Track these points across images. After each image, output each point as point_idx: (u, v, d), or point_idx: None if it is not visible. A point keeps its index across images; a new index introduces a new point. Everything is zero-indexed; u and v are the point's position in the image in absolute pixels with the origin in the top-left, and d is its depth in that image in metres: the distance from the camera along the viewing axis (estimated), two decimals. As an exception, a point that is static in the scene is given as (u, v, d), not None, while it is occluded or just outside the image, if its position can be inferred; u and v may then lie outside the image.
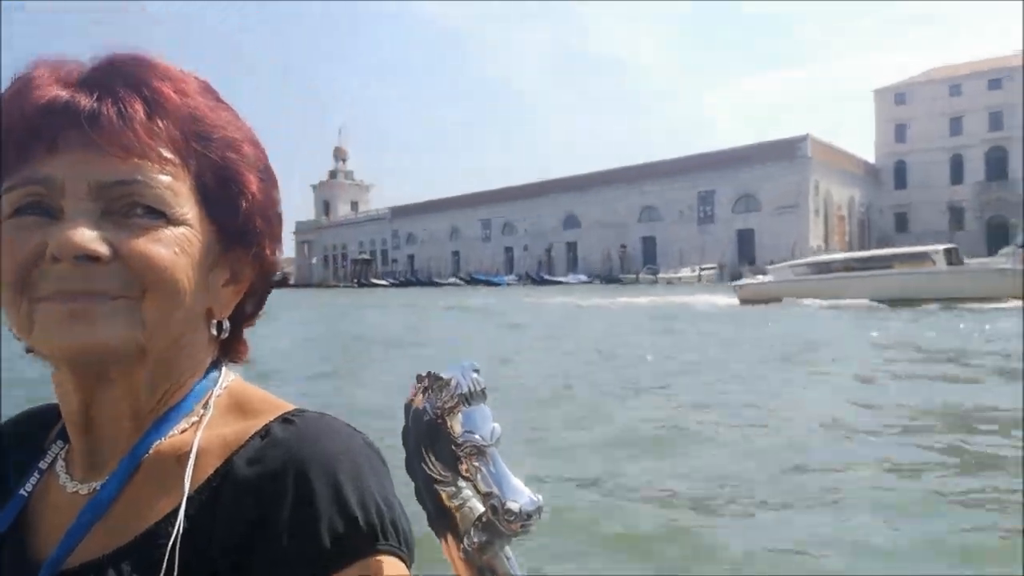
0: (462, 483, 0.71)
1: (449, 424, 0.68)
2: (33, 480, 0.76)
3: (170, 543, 0.65)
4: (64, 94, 0.67)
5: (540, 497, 0.67)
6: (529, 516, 0.65)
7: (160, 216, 0.67)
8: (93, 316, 0.64)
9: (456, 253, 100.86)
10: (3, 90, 0.70)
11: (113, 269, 0.64)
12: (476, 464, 0.67)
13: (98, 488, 0.71)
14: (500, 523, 0.66)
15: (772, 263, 67.42)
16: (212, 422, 0.73)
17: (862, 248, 78.90)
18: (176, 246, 0.67)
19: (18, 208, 0.66)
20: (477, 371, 0.69)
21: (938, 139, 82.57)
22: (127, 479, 0.70)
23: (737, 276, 63.82)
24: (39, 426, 0.83)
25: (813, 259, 35.19)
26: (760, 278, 35.34)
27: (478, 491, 0.68)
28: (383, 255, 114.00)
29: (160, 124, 0.68)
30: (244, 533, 0.65)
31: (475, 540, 0.69)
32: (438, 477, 0.71)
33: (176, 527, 0.65)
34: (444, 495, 0.71)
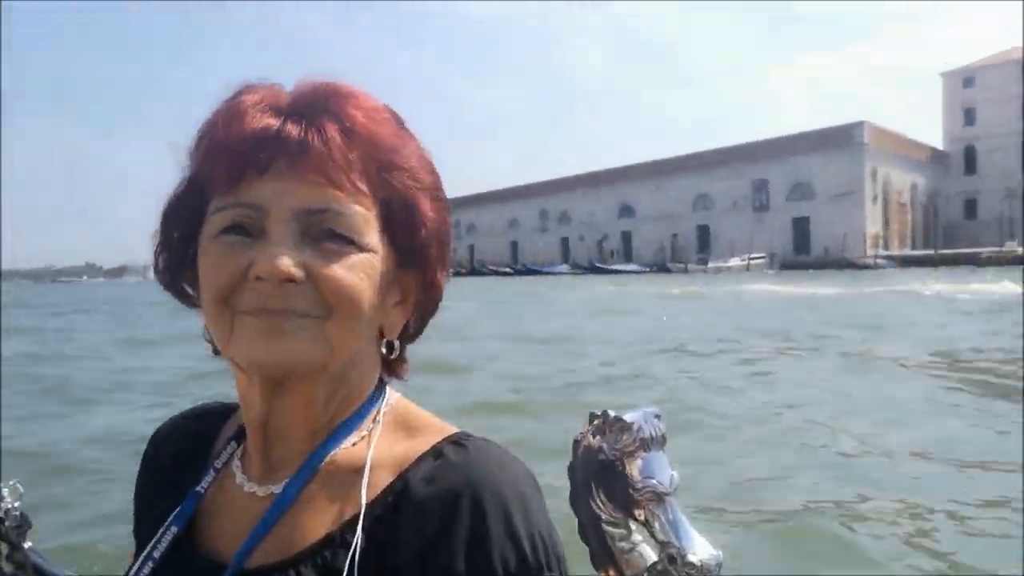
0: (633, 526, 0.70)
1: (627, 467, 0.67)
2: (209, 478, 0.80)
3: (351, 552, 0.68)
4: (275, 123, 0.71)
5: (720, 552, 0.65)
6: (710, 571, 0.64)
7: (350, 243, 0.70)
8: (285, 331, 0.68)
9: (514, 243, 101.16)
10: (208, 116, 0.74)
11: (305, 290, 0.69)
12: (654, 511, 0.66)
13: (275, 491, 0.74)
14: (679, 574, 0.65)
15: (826, 251, 66.04)
16: (380, 437, 0.76)
17: (925, 236, 76.53)
18: (362, 271, 0.71)
19: (225, 228, 0.70)
20: (658, 416, 0.68)
21: (1010, 123, 79.30)
22: (305, 485, 0.74)
23: (789, 265, 62.47)
24: (206, 424, 0.88)
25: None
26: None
27: (654, 538, 0.67)
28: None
29: (355, 156, 0.71)
30: (419, 550, 0.67)
31: (647, 586, 0.68)
32: (608, 517, 0.70)
33: (356, 537, 0.68)
34: (612, 536, 0.71)
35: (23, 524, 0.99)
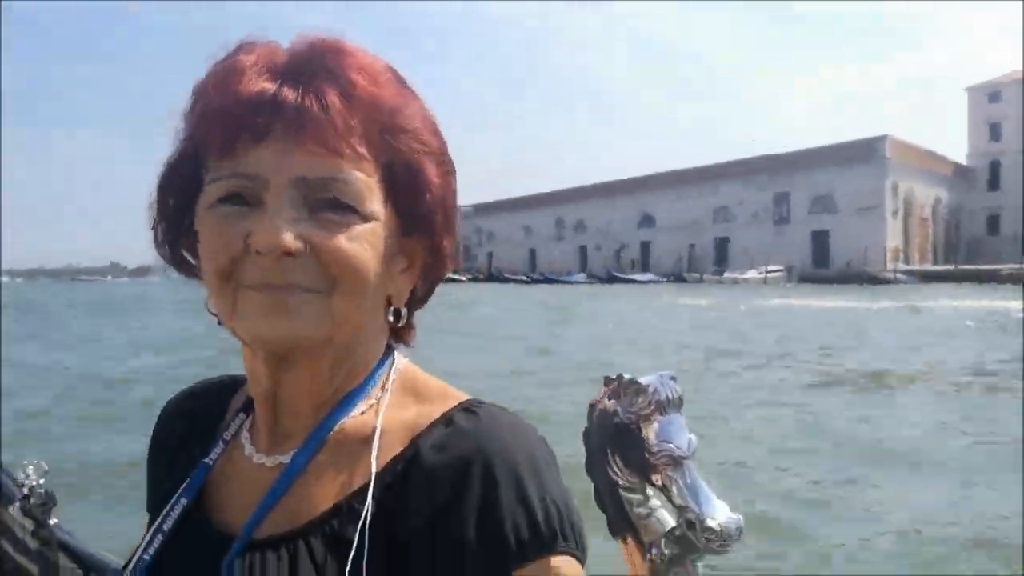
0: (650, 491, 0.69)
1: (643, 431, 0.66)
2: (217, 450, 0.79)
3: (361, 520, 0.66)
4: (270, 87, 0.68)
5: (740, 516, 0.64)
6: (730, 535, 0.63)
7: (352, 211, 0.68)
8: (289, 308, 0.66)
9: (532, 251, 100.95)
10: (203, 73, 0.71)
11: (307, 263, 0.66)
12: (671, 475, 0.65)
13: (284, 461, 0.73)
14: (697, 540, 0.64)
15: (848, 264, 65.39)
16: (389, 405, 0.74)
17: (947, 251, 75.59)
18: (365, 241, 0.68)
19: (221, 198, 0.68)
20: (674, 379, 0.67)
21: (1034, 139, 78.28)
22: (313, 455, 0.72)
23: (808, 278, 61.84)
24: (215, 397, 0.87)
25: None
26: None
27: (671, 503, 0.65)
28: (465, 251, 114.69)
29: (356, 120, 0.68)
30: (429, 517, 0.66)
31: (665, 552, 0.67)
32: (624, 483, 0.69)
33: (367, 505, 0.67)
34: (629, 501, 0.70)
35: (48, 501, 1.00)
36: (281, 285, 0.66)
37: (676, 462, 0.65)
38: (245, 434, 0.79)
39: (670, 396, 0.66)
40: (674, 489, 0.65)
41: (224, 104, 0.68)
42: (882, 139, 68.80)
